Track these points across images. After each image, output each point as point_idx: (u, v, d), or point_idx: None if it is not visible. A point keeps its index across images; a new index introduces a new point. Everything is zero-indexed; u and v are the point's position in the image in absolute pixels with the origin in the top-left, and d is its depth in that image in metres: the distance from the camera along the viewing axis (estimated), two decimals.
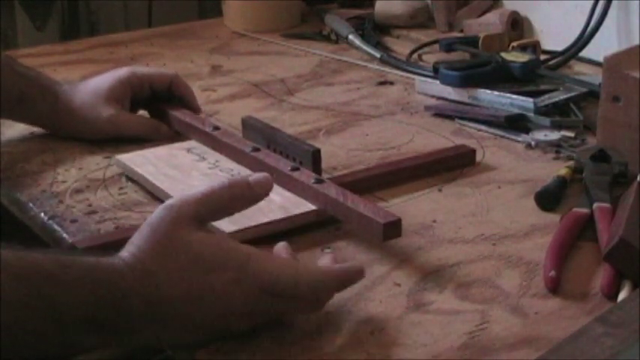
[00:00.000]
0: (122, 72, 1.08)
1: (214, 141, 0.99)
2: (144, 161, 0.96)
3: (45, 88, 1.07)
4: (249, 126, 1.00)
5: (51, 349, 0.64)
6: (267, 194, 0.72)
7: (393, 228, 0.78)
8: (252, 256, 0.66)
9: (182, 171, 0.94)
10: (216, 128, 1.01)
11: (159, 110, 1.10)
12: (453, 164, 0.98)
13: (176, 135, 1.07)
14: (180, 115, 1.07)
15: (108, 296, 0.63)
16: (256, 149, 0.95)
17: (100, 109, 1.05)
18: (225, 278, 0.65)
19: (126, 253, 0.66)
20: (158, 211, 0.67)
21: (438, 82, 1.20)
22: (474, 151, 1.00)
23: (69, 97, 1.07)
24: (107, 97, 1.06)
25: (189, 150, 1.00)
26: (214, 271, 0.65)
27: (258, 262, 0.66)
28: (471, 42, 1.33)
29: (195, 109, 1.11)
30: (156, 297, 0.64)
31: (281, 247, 0.74)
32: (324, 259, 0.74)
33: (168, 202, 0.68)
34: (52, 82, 1.09)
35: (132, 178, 0.96)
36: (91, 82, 1.09)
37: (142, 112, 1.12)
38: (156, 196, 0.91)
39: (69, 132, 1.07)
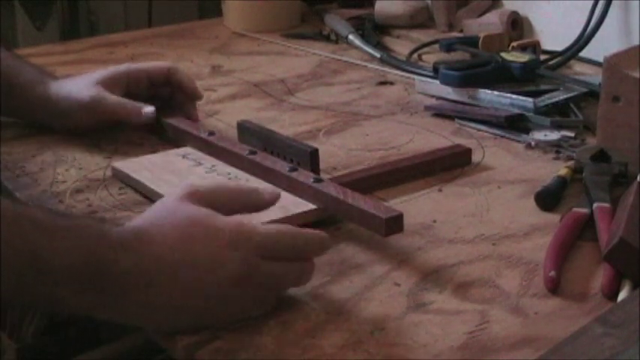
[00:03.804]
0: (120, 66, 1.10)
1: (210, 146, 0.99)
2: (140, 167, 0.96)
3: (35, 78, 1.08)
4: (245, 129, 1.00)
5: (38, 300, 0.64)
6: (273, 203, 0.75)
7: (395, 223, 0.78)
8: (245, 222, 0.69)
9: (179, 176, 0.94)
10: (212, 134, 1.01)
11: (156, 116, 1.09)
12: (450, 164, 0.98)
13: (169, 142, 1.06)
14: (174, 122, 1.06)
15: (97, 250, 0.64)
16: (253, 152, 0.94)
17: (88, 90, 1.06)
18: (220, 242, 0.67)
19: (130, 222, 0.69)
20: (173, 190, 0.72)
21: (437, 82, 1.21)
22: (469, 150, 1.00)
23: (60, 85, 1.07)
24: (96, 82, 1.06)
25: (184, 156, 0.99)
26: (209, 236, 0.67)
27: (251, 226, 0.69)
28: (471, 42, 1.33)
29: (196, 94, 1.11)
30: (147, 254, 0.65)
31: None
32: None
33: (182, 184, 0.72)
34: (46, 75, 1.10)
35: (129, 184, 0.95)
36: (87, 74, 1.10)
37: None
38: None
39: (57, 118, 1.07)
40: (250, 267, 0.67)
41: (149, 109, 1.05)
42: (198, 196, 0.70)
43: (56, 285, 0.63)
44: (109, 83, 1.07)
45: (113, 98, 1.06)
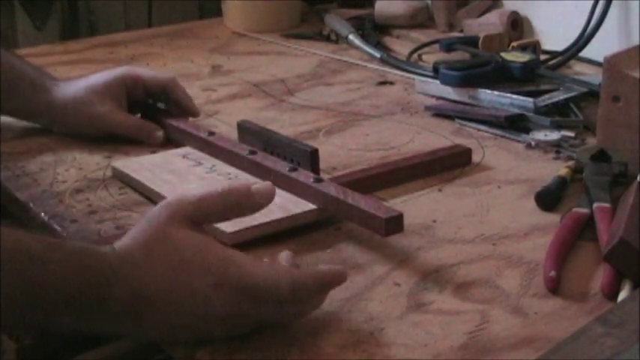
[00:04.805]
0: (117, 71, 1.08)
1: (210, 146, 0.99)
2: (140, 167, 0.96)
3: (36, 80, 1.07)
4: (245, 129, 1.00)
5: (31, 325, 0.64)
6: (267, 204, 0.72)
7: (395, 223, 0.78)
8: (235, 260, 0.66)
9: (179, 176, 0.93)
10: (212, 134, 1.01)
11: (154, 117, 1.09)
12: (450, 163, 0.98)
13: (169, 142, 1.06)
14: (174, 122, 1.06)
15: (92, 280, 0.63)
16: (253, 152, 0.94)
17: (96, 105, 1.05)
18: (206, 281, 0.65)
19: (119, 243, 0.67)
20: (157, 207, 0.69)
21: (438, 82, 1.21)
22: (469, 150, 1.00)
23: (62, 92, 1.07)
24: (102, 94, 1.06)
25: (184, 156, 0.99)
26: (195, 273, 0.65)
27: (240, 265, 0.66)
28: (471, 42, 1.33)
29: (192, 112, 1.09)
30: (137, 288, 0.64)
31: (284, 256, 0.73)
32: (281, 257, 0.73)
33: (167, 199, 0.69)
34: (46, 76, 1.09)
35: (129, 184, 0.95)
36: (85, 78, 1.09)
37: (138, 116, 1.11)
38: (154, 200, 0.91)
39: (62, 127, 1.07)
40: (235, 309, 0.65)
41: (160, 133, 1.05)
42: (186, 213, 0.68)
43: (54, 314, 0.63)
44: (115, 95, 1.06)
45: (126, 118, 1.06)
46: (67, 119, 1.07)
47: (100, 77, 1.08)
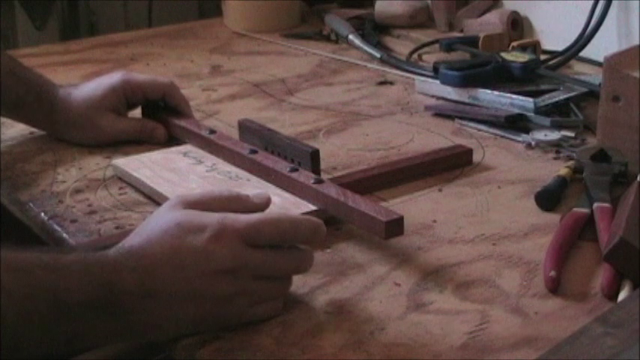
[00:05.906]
0: (115, 80, 1.07)
1: (211, 145, 0.99)
2: (140, 165, 0.96)
3: (41, 94, 1.06)
4: (246, 128, 1.00)
5: (57, 342, 0.64)
6: (264, 207, 0.75)
7: (396, 226, 0.78)
8: (230, 215, 0.69)
9: (179, 174, 0.94)
10: (212, 132, 1.01)
11: (154, 115, 1.09)
12: (451, 164, 0.98)
13: (171, 140, 1.06)
14: (175, 119, 1.06)
15: (101, 274, 0.65)
16: (254, 151, 0.94)
17: (97, 120, 1.05)
18: (204, 237, 0.67)
19: (122, 241, 0.69)
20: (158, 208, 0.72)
21: (438, 82, 1.21)
22: (470, 151, 1.00)
23: (65, 106, 1.06)
24: (102, 107, 1.06)
25: (185, 154, 0.99)
26: (193, 232, 0.67)
27: (235, 216, 0.69)
28: (471, 42, 1.33)
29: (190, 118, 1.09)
30: (142, 268, 0.66)
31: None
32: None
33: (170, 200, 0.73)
34: (50, 88, 1.08)
35: (130, 182, 0.95)
36: (85, 89, 1.07)
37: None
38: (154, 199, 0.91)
39: (67, 139, 1.07)
40: (237, 257, 0.67)
41: (162, 131, 1.06)
42: (187, 203, 0.70)
43: (74, 321, 0.64)
44: (114, 106, 1.06)
45: (127, 124, 1.07)
46: (71, 134, 1.07)
47: (98, 87, 1.07)
